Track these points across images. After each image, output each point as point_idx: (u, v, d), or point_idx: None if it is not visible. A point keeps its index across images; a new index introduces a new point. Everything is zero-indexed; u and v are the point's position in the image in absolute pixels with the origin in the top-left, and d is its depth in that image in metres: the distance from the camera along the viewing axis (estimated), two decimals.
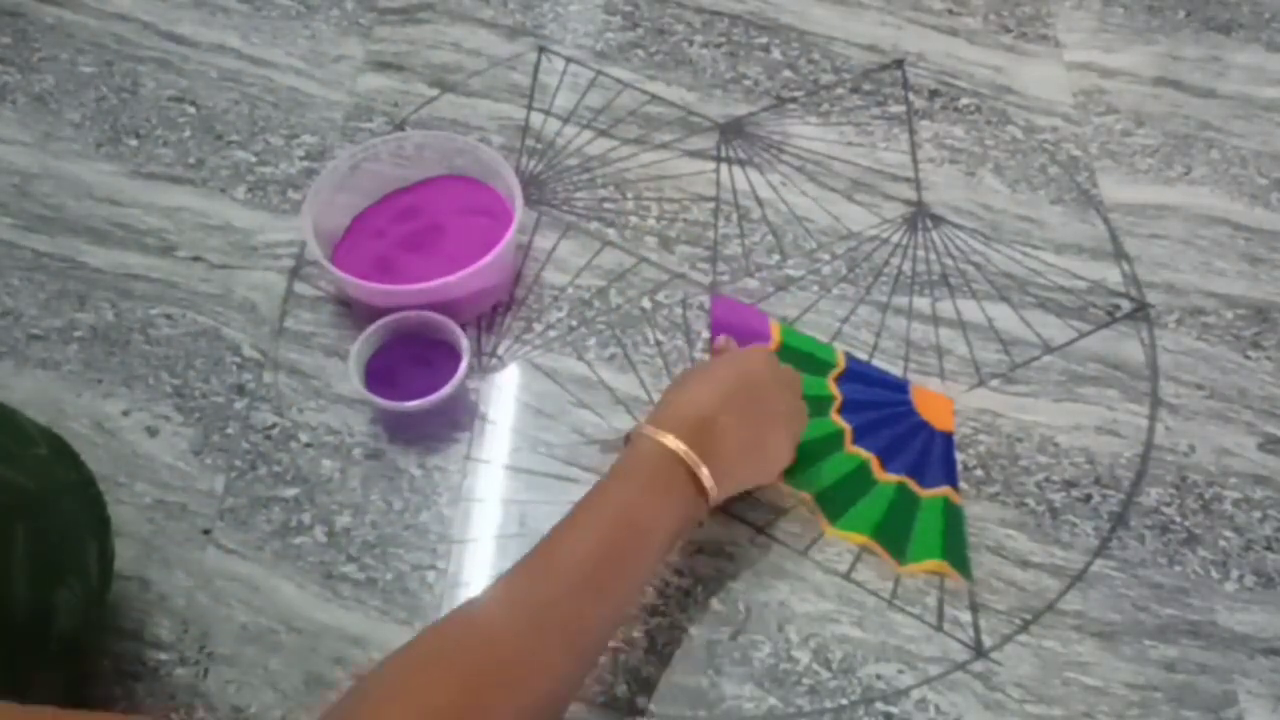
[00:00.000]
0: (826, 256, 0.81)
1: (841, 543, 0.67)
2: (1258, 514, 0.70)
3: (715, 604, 0.64)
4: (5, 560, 0.46)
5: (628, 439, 0.58)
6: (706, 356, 0.74)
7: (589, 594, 0.49)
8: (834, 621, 0.64)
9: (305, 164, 0.84)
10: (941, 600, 0.65)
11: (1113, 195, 0.86)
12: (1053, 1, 1.01)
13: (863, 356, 0.75)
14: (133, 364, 0.72)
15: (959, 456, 0.71)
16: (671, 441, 0.53)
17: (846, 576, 0.66)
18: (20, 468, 0.49)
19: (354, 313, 0.75)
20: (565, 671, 0.48)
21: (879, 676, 0.62)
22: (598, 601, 0.50)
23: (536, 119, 0.88)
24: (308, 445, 0.69)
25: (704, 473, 0.53)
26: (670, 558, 0.65)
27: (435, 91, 0.89)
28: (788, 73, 0.93)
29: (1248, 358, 0.78)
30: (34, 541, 0.47)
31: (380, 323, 0.68)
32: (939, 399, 0.73)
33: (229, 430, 0.70)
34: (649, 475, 0.53)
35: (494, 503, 0.67)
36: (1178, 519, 0.69)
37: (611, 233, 0.81)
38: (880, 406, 0.73)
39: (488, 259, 0.69)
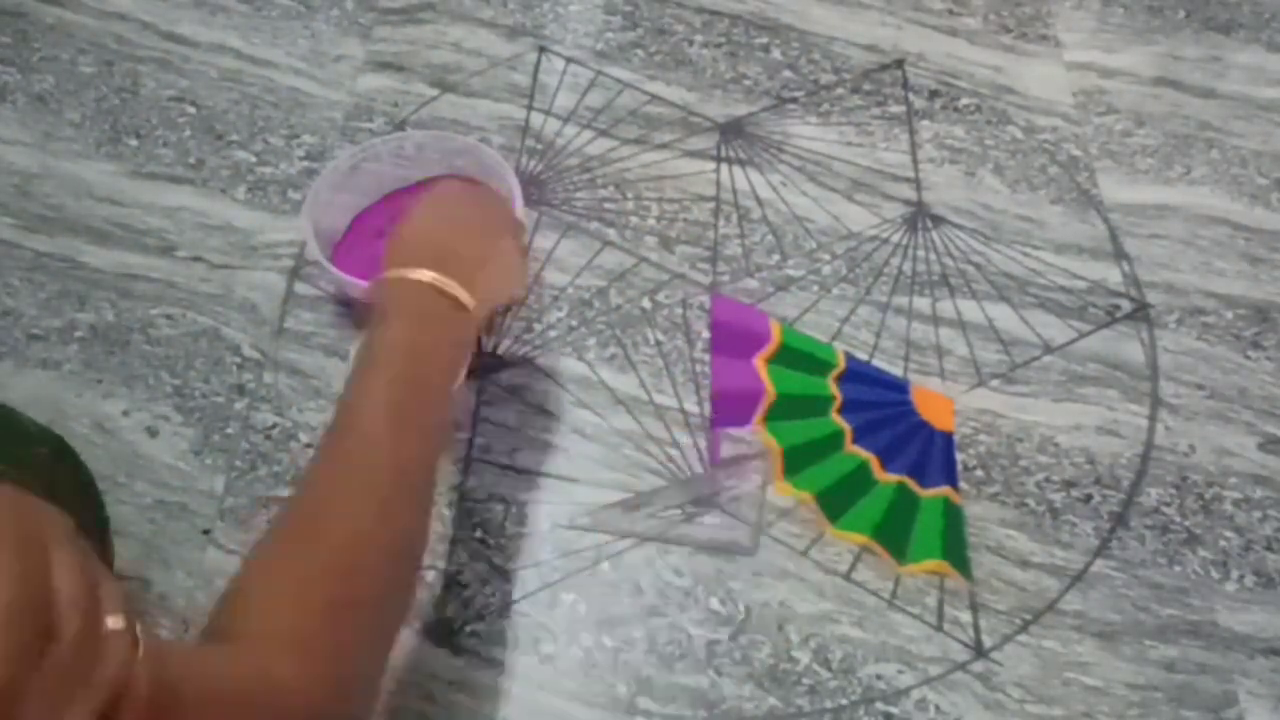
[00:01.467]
0: (826, 256, 0.81)
1: (841, 543, 0.67)
2: (1258, 514, 0.70)
3: (715, 604, 0.64)
4: None
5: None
6: (707, 356, 0.74)
7: (404, 435, 0.49)
8: (834, 621, 0.64)
9: (305, 164, 0.84)
10: (941, 600, 0.65)
11: (1113, 195, 0.86)
12: (1053, 1, 1.01)
13: (863, 356, 0.75)
14: (133, 364, 0.72)
15: (959, 456, 0.71)
16: (422, 274, 0.54)
17: (846, 576, 0.66)
18: (21, 467, 0.49)
19: (354, 313, 0.75)
20: (408, 516, 0.49)
21: (879, 676, 0.62)
22: (414, 439, 0.50)
23: (536, 119, 0.88)
24: (308, 445, 0.69)
25: (458, 289, 0.54)
26: (670, 558, 0.65)
27: (435, 91, 0.89)
28: (788, 73, 0.93)
29: (1248, 358, 0.78)
30: None
31: None
32: (939, 399, 0.73)
33: (229, 430, 0.70)
34: (415, 310, 0.53)
35: (494, 503, 0.67)
36: (1178, 519, 0.69)
37: (611, 233, 0.81)
38: (880, 406, 0.73)
39: None
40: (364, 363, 0.51)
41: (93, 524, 0.55)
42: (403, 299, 0.53)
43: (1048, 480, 0.70)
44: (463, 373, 0.57)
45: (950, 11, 1.00)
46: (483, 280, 0.56)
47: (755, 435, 0.70)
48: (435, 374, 0.53)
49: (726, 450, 0.69)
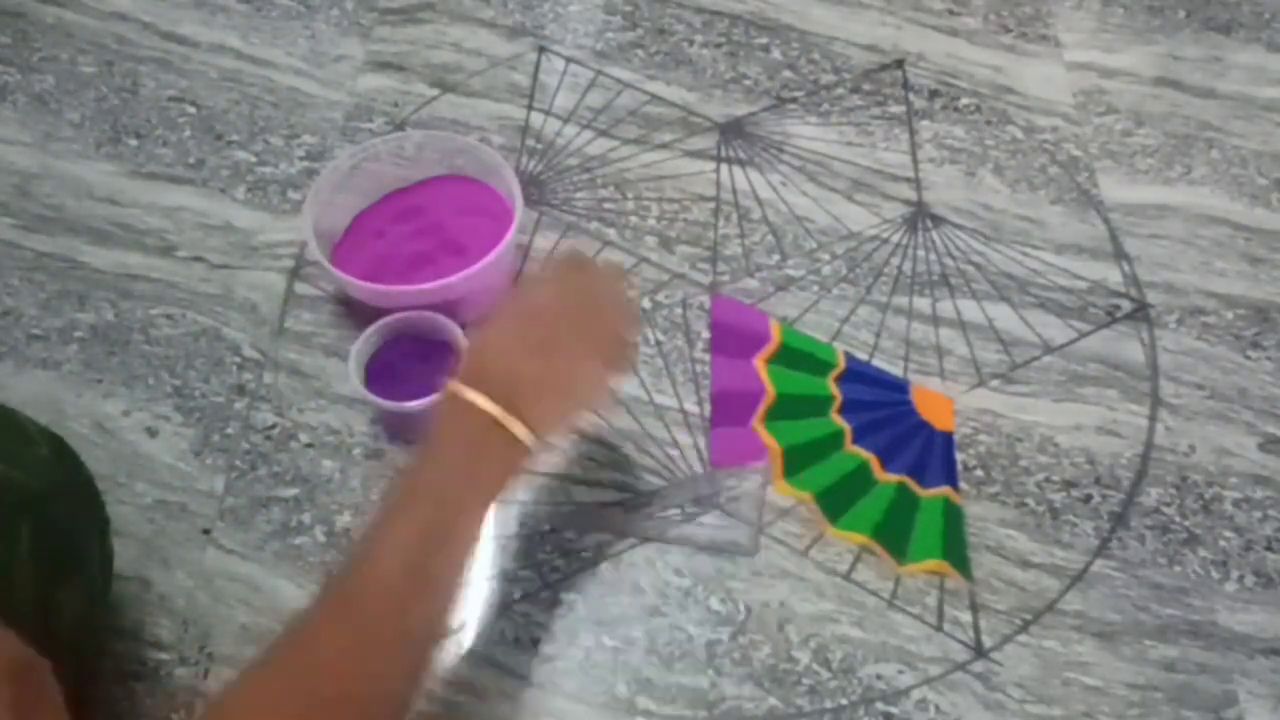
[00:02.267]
0: (826, 256, 0.81)
1: (841, 543, 0.67)
2: (1258, 514, 0.70)
3: (715, 604, 0.64)
4: (10, 558, 0.46)
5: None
6: (706, 356, 0.74)
7: (416, 594, 0.46)
8: (834, 621, 0.64)
9: (305, 164, 0.84)
10: (941, 600, 0.65)
11: (1113, 195, 0.86)
12: (1053, 1, 1.01)
13: (863, 356, 0.75)
14: (133, 364, 0.72)
15: (959, 456, 0.71)
16: (483, 402, 0.49)
17: (846, 576, 0.66)
18: (22, 467, 0.49)
19: (354, 313, 0.75)
20: (402, 681, 0.46)
21: (879, 676, 0.62)
22: (427, 599, 0.47)
23: (536, 119, 0.88)
24: (308, 445, 0.69)
25: (519, 429, 0.50)
26: (670, 558, 0.65)
27: (435, 91, 0.89)
28: (788, 73, 0.93)
29: (1248, 358, 0.78)
30: (38, 540, 0.47)
31: (380, 323, 0.68)
32: (939, 399, 0.73)
33: (229, 430, 0.70)
34: (464, 445, 0.49)
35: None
36: (1178, 519, 0.69)
37: (611, 233, 0.81)
38: (880, 406, 0.73)
39: (488, 259, 0.68)
40: (395, 500, 0.48)
41: (93, 524, 0.55)
42: (456, 427, 0.50)
43: (1048, 480, 0.70)
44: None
45: (950, 11, 1.00)
46: (554, 412, 0.52)
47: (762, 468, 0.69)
48: (469, 524, 0.49)
49: (730, 464, 0.69)
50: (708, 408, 0.72)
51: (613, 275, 0.60)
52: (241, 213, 0.81)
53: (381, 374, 0.68)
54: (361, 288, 0.69)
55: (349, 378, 0.66)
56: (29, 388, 0.71)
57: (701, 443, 0.70)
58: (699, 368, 0.74)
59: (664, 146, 0.87)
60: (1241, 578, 0.67)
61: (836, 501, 0.68)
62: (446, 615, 0.49)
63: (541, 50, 0.93)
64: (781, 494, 0.68)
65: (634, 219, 0.82)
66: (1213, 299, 0.81)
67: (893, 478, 0.69)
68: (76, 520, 0.53)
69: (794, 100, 0.91)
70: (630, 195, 0.83)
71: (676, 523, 0.66)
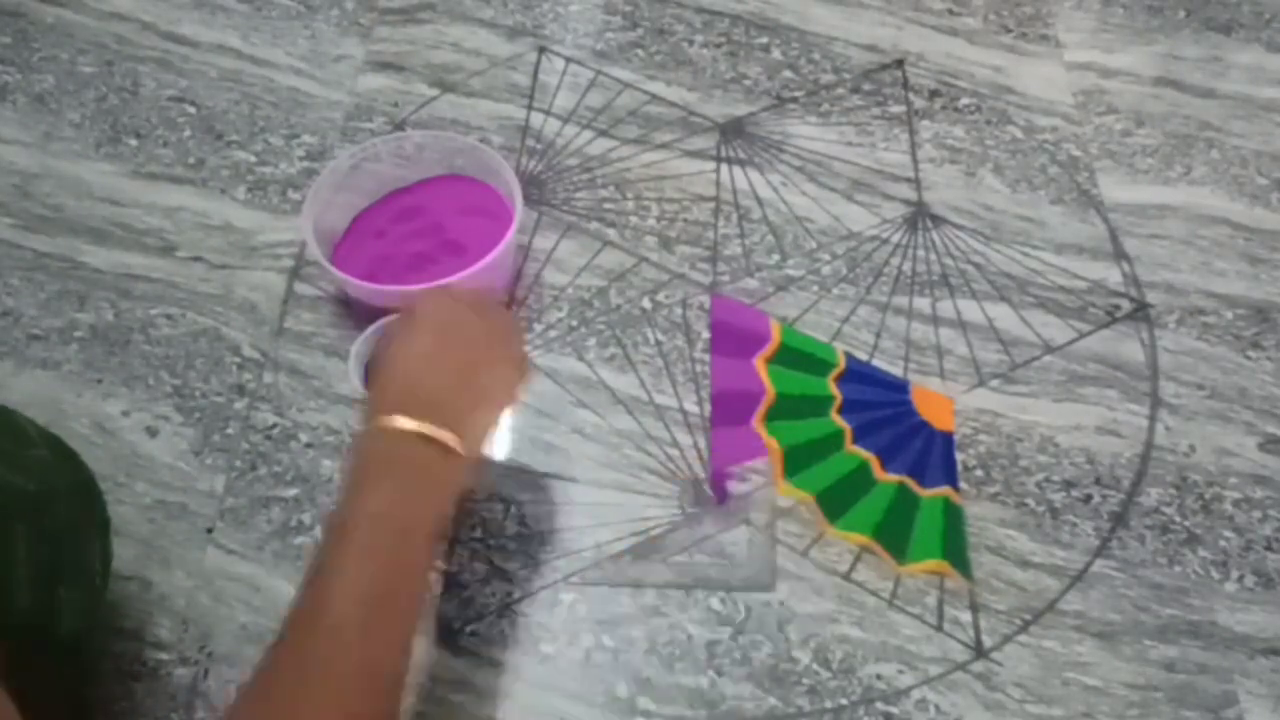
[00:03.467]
0: (826, 256, 0.81)
1: (841, 543, 0.67)
2: (1258, 514, 0.70)
3: (715, 604, 0.64)
4: (7, 561, 0.46)
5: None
6: (706, 357, 0.74)
7: (377, 626, 0.45)
8: (834, 621, 0.64)
9: (305, 164, 0.84)
10: (941, 600, 0.65)
11: (1113, 195, 0.86)
12: (1053, 1, 1.01)
13: (863, 356, 0.75)
14: (133, 364, 0.72)
15: (959, 456, 0.71)
16: (404, 422, 0.49)
17: (846, 576, 0.66)
18: (20, 469, 0.49)
19: (354, 313, 0.75)
20: (373, 709, 0.45)
21: (879, 676, 0.62)
22: (390, 627, 0.46)
23: (536, 119, 0.88)
24: (308, 445, 0.69)
25: (447, 436, 0.50)
26: (670, 558, 0.65)
27: (435, 91, 0.89)
28: (788, 73, 0.93)
29: (1248, 358, 0.78)
30: (35, 542, 0.47)
31: (380, 323, 0.68)
32: (939, 399, 0.73)
33: (229, 430, 0.70)
34: (399, 468, 0.49)
35: (494, 503, 0.67)
36: (1178, 519, 0.69)
37: (611, 233, 0.81)
38: (880, 406, 0.73)
39: (488, 259, 0.69)
40: (338, 534, 0.46)
41: (93, 525, 0.55)
42: (386, 454, 0.49)
43: (1048, 480, 0.70)
44: (452, 510, 0.53)
45: (950, 11, 1.00)
46: (474, 415, 0.53)
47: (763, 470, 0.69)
48: (419, 543, 0.48)
49: (735, 490, 0.68)
50: (708, 408, 0.72)
51: (487, 300, 0.60)
52: (241, 213, 0.81)
53: None
54: (361, 288, 0.69)
55: (349, 378, 0.66)
56: (29, 388, 0.71)
57: (701, 443, 0.70)
58: (699, 368, 0.74)
59: (664, 146, 0.87)
60: (1241, 578, 0.67)
61: (836, 501, 0.68)
62: (412, 630, 0.48)
63: (541, 50, 0.93)
64: (781, 494, 0.68)
65: (634, 219, 0.82)
66: (1213, 299, 0.81)
67: (893, 478, 0.69)
68: (75, 522, 0.53)
69: (794, 100, 0.91)
70: (630, 195, 0.83)
71: (690, 568, 0.65)
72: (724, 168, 0.86)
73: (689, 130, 0.88)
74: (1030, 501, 0.69)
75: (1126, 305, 0.80)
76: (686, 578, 0.65)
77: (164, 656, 0.61)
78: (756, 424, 0.71)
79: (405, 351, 0.53)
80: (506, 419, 0.64)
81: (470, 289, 0.59)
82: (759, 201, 0.84)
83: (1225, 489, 0.71)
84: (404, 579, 0.48)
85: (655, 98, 0.90)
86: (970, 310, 0.79)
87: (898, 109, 0.91)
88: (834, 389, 0.73)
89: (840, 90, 0.92)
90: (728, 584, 0.65)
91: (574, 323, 0.76)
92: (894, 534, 0.67)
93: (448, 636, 0.62)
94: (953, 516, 0.68)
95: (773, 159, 0.87)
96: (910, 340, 0.77)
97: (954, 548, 0.66)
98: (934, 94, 0.93)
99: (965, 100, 0.92)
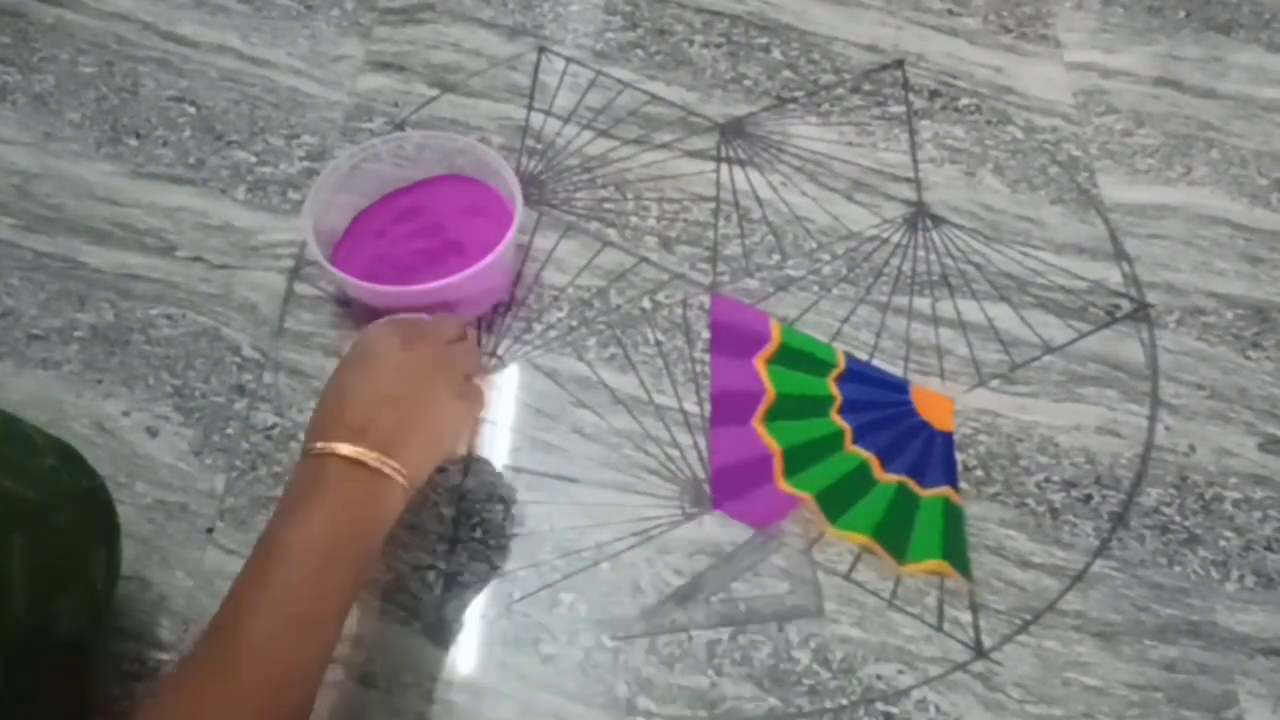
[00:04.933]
0: (826, 256, 0.81)
1: (841, 543, 0.67)
2: (1258, 514, 0.70)
3: (715, 604, 0.64)
4: (2, 571, 0.46)
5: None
6: (706, 357, 0.74)
7: (292, 644, 0.46)
8: (834, 621, 0.64)
9: (305, 164, 0.84)
10: (941, 600, 0.65)
11: (1113, 195, 0.86)
12: (1053, 1, 1.01)
13: (863, 356, 0.75)
14: (133, 364, 0.72)
15: (959, 456, 0.71)
16: (342, 448, 0.50)
17: (846, 576, 0.66)
18: (22, 478, 0.49)
19: (354, 313, 0.75)
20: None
21: (879, 676, 0.62)
22: (305, 647, 0.46)
23: (536, 119, 0.88)
24: None
25: (392, 464, 0.51)
26: (670, 558, 0.65)
27: (435, 91, 0.89)
28: (788, 73, 0.93)
29: (1248, 358, 0.78)
30: (32, 551, 0.47)
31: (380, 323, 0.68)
32: (939, 399, 0.73)
33: (229, 430, 0.70)
34: (333, 493, 0.49)
35: (494, 503, 0.67)
36: (1178, 519, 0.69)
37: (611, 233, 0.81)
38: (880, 407, 0.73)
39: (488, 259, 0.68)
40: (267, 554, 0.47)
41: (101, 530, 0.54)
42: (323, 480, 0.50)
43: (1048, 480, 0.70)
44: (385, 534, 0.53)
45: (950, 11, 1.00)
46: (417, 445, 0.53)
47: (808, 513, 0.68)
48: (346, 568, 0.48)
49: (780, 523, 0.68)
50: (708, 408, 0.72)
51: (451, 326, 0.61)
52: (241, 213, 0.81)
53: None
54: (361, 288, 0.69)
55: None
56: (29, 388, 0.71)
57: (701, 443, 0.70)
58: (699, 368, 0.74)
59: (664, 146, 0.87)
60: (1241, 578, 0.67)
61: (836, 501, 0.68)
62: (330, 652, 0.48)
63: (541, 50, 0.93)
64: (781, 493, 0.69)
65: (634, 219, 0.82)
66: (1213, 299, 0.81)
67: (893, 478, 0.69)
68: (81, 528, 0.52)
69: (794, 100, 0.91)
70: (630, 195, 0.83)
71: (736, 604, 0.64)
72: (724, 168, 0.86)
73: (689, 130, 0.88)
74: (1030, 501, 0.69)
75: (1126, 305, 0.80)
76: (737, 615, 0.64)
77: (164, 656, 0.61)
78: (756, 424, 0.71)
79: (346, 378, 0.54)
80: (465, 444, 0.65)
81: (419, 318, 0.60)
82: (759, 201, 0.84)
83: (1225, 489, 0.71)
84: (325, 602, 0.48)
85: (655, 98, 0.90)
86: (970, 310, 0.79)
87: (898, 109, 0.91)
88: (834, 389, 0.73)
89: (840, 90, 0.92)
90: (778, 614, 0.64)
91: (574, 323, 0.76)
92: (894, 534, 0.67)
93: (447, 636, 0.62)
94: (953, 516, 0.68)
95: (773, 159, 0.87)
96: (910, 340, 0.77)
97: (954, 548, 0.67)
98: (934, 94, 0.93)
99: (965, 100, 0.92)
